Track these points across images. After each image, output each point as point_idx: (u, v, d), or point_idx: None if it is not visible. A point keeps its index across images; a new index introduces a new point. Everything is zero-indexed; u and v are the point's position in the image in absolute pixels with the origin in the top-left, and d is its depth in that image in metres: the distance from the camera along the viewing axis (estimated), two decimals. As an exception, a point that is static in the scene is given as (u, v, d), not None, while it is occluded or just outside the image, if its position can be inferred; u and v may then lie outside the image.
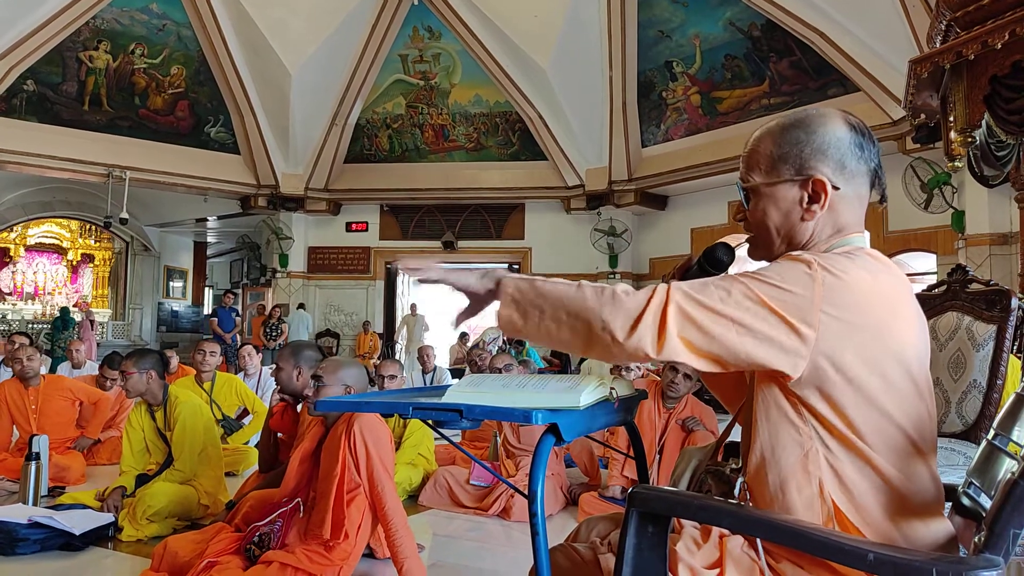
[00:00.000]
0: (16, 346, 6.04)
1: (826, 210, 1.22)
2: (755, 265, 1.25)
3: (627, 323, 1.08)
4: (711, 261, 1.36)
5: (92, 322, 14.50)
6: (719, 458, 1.48)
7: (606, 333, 1.09)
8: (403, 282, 14.92)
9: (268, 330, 12.16)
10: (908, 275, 9.69)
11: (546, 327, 1.16)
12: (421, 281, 1.29)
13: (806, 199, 1.23)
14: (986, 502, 1.18)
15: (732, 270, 1.30)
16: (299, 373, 3.42)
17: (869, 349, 1.09)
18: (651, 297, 1.09)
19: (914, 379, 1.13)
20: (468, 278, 1.25)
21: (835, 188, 1.22)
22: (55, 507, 3.51)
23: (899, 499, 1.11)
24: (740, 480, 1.22)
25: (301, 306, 13.49)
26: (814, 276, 1.09)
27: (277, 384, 3.52)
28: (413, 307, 14.11)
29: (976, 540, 0.98)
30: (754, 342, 1.08)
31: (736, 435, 1.52)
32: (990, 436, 1.25)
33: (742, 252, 1.36)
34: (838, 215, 1.24)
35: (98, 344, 13.76)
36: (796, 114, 1.28)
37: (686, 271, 1.40)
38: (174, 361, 6.31)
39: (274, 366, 3.61)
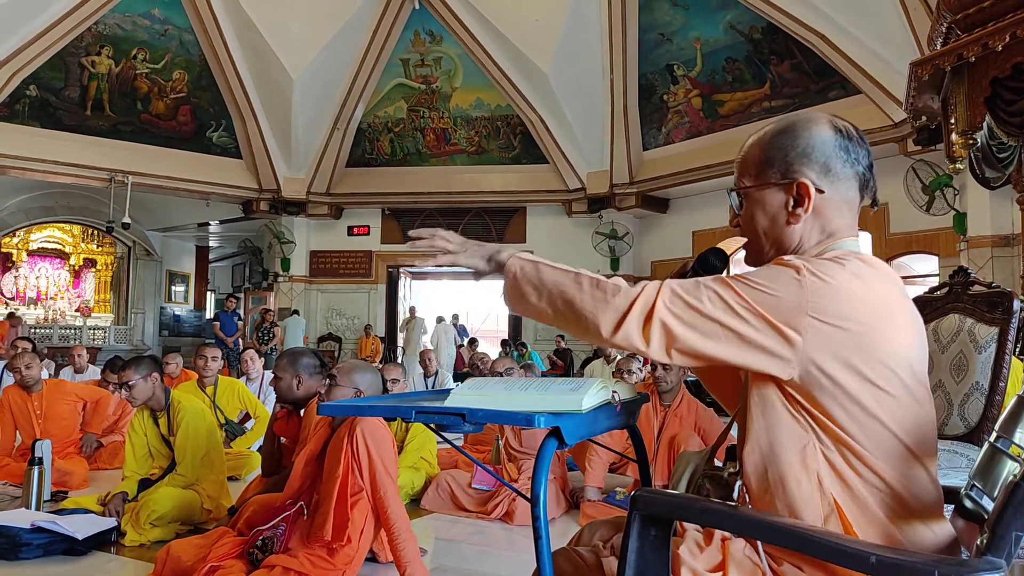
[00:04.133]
0: (19, 351, 6.05)
1: (812, 214, 1.23)
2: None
3: (613, 320, 1.14)
4: (704, 266, 1.38)
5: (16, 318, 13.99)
6: (721, 460, 1.48)
7: (594, 329, 1.16)
8: (405, 285, 14.93)
9: (261, 334, 12.19)
10: (909, 277, 9.68)
11: (541, 308, 1.24)
12: (424, 255, 1.38)
13: (791, 203, 1.24)
14: (988, 504, 1.18)
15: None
16: (299, 382, 3.40)
17: (858, 355, 1.09)
18: (638, 295, 1.14)
19: (907, 384, 1.13)
20: (475, 259, 1.34)
21: (819, 191, 1.23)
22: (58, 512, 3.51)
23: (898, 501, 1.11)
24: (739, 483, 1.22)
25: (295, 312, 13.47)
26: (801, 281, 1.09)
27: (276, 394, 3.50)
28: (412, 310, 14.11)
29: (978, 542, 0.98)
30: (740, 346, 1.10)
31: (734, 438, 1.52)
32: (992, 438, 1.25)
33: (740, 256, 1.38)
34: (826, 219, 1.24)
35: (90, 349, 13.58)
36: (785, 119, 1.30)
37: (681, 276, 1.42)
38: (178, 367, 6.32)
39: (272, 375, 3.57)
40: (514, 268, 1.27)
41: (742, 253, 1.37)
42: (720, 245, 1.41)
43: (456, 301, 19.01)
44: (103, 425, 5.37)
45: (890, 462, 1.11)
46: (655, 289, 1.14)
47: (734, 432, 1.51)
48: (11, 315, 14.17)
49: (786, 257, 1.17)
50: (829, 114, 1.30)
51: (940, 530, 1.13)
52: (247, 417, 5.52)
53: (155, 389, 3.71)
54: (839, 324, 1.08)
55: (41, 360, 5.29)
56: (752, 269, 1.22)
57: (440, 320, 13.73)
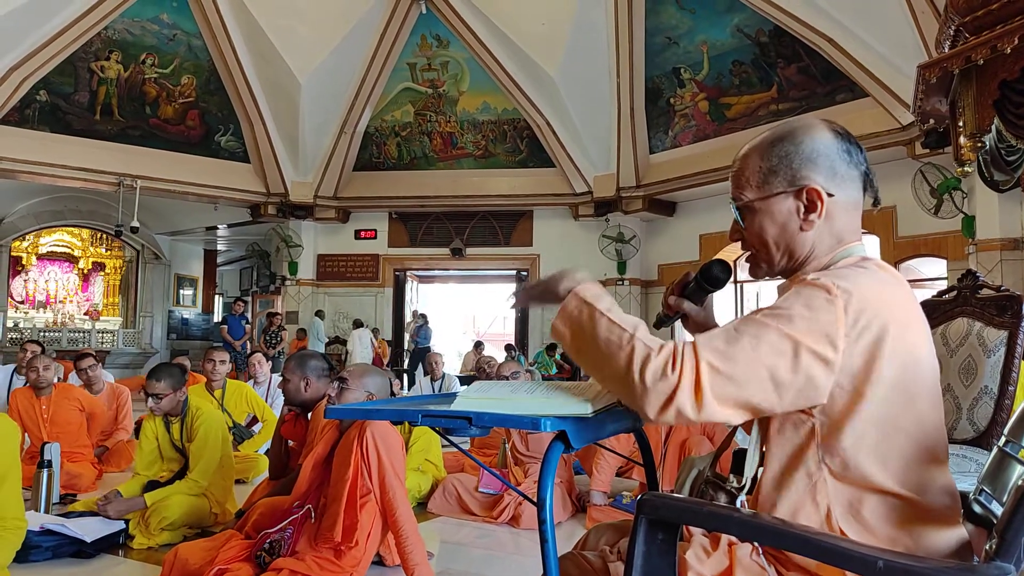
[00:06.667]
0: (29, 354, 6.08)
1: (824, 218, 1.23)
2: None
3: (659, 403, 1.05)
4: (708, 278, 1.37)
5: None
6: (728, 467, 1.47)
7: (637, 408, 1.09)
8: (411, 289, 14.95)
9: (268, 338, 12.23)
10: (918, 280, 9.63)
11: (584, 361, 1.17)
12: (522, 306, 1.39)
13: (802, 209, 1.23)
14: (997, 509, 1.17)
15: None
16: (307, 384, 3.42)
17: (888, 363, 1.09)
18: (682, 372, 1.04)
19: (927, 388, 1.13)
20: (551, 296, 1.25)
21: (830, 195, 1.22)
22: (67, 514, 3.53)
23: (912, 509, 1.11)
24: (741, 498, 1.21)
25: (319, 313, 13.50)
26: (834, 301, 1.08)
27: (284, 396, 3.52)
28: (415, 314, 14.11)
29: (987, 547, 0.98)
30: (792, 387, 1.07)
31: (737, 443, 1.52)
32: (1001, 443, 1.25)
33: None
34: (835, 223, 1.24)
35: (99, 352, 13.71)
36: (781, 128, 1.29)
37: (684, 287, 1.41)
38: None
39: (280, 377, 3.59)
40: (570, 305, 1.19)
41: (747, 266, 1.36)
42: (721, 255, 1.40)
43: (461, 304, 19.05)
44: (97, 433, 5.40)
45: (908, 469, 1.11)
46: (693, 358, 1.05)
47: (738, 438, 1.51)
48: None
49: (810, 276, 1.15)
50: (822, 119, 1.29)
51: (952, 535, 1.12)
52: (255, 420, 5.54)
53: (180, 400, 3.71)
54: (871, 336, 1.08)
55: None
56: (777, 295, 1.20)
57: (357, 325, 13.24)
